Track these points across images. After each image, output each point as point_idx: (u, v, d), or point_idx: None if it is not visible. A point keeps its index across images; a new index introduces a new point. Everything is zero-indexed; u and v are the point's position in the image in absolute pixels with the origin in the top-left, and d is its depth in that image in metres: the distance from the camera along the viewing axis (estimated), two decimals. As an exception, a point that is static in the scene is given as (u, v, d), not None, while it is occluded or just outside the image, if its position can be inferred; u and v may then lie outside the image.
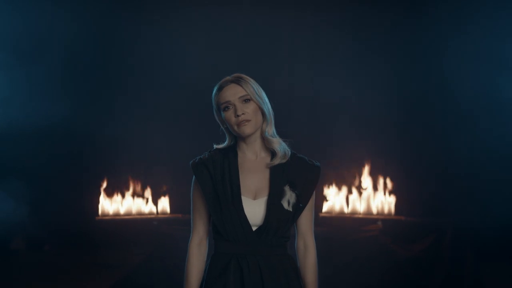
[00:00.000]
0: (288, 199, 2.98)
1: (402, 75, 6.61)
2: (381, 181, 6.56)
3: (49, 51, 6.43)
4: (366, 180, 6.57)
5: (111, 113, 6.63)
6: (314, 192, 3.09)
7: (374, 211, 6.47)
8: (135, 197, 6.72)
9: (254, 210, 2.97)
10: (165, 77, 6.77)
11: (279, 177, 3.01)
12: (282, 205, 2.97)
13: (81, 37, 6.53)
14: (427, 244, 6.23)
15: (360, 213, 6.47)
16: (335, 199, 6.51)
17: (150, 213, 6.72)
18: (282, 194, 2.99)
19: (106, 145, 6.60)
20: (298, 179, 3.03)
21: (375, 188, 6.54)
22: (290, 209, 2.98)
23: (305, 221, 3.08)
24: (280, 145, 3.06)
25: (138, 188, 6.75)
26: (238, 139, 3.11)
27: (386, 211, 6.48)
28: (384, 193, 6.53)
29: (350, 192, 6.54)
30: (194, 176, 3.08)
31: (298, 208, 3.01)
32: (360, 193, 6.53)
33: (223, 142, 3.16)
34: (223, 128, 3.14)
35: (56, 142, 6.45)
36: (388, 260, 6.15)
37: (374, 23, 6.65)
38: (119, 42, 6.67)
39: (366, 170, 6.61)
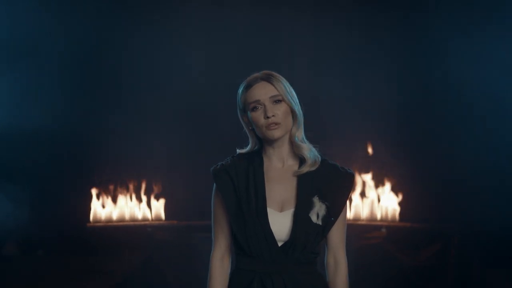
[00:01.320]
0: (317, 211, 2.75)
1: (406, 75, 6.55)
2: (385, 186, 6.47)
3: (45, 52, 6.40)
4: (369, 185, 6.47)
5: (106, 115, 6.56)
6: (347, 203, 2.86)
7: (378, 217, 6.37)
8: (128, 203, 6.59)
9: (280, 224, 2.74)
10: (163, 78, 6.68)
11: (308, 187, 2.77)
12: (310, 218, 2.73)
13: (78, 37, 6.49)
14: (433, 251, 6.17)
15: (363, 220, 6.37)
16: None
17: (144, 219, 6.58)
18: (310, 206, 2.75)
19: (100, 147, 6.53)
20: (328, 188, 2.79)
21: (378, 193, 6.45)
22: (320, 223, 2.75)
23: (337, 234, 2.84)
24: (310, 151, 2.82)
25: (132, 194, 6.62)
26: (264, 143, 2.85)
27: (390, 217, 6.38)
28: (388, 199, 6.44)
29: (351, 199, 6.46)
30: (215, 184, 2.84)
31: (329, 221, 2.78)
32: (363, 196, 6.45)
33: (246, 146, 2.91)
34: (246, 130, 2.88)
35: (50, 145, 6.42)
36: (392, 268, 6.09)
37: (376, 22, 6.60)
38: (116, 42, 6.60)
39: (369, 174, 6.52)
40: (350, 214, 6.38)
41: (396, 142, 6.51)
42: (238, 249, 2.81)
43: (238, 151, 2.90)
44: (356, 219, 6.37)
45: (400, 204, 6.42)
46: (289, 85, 2.84)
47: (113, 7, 6.56)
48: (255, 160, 2.83)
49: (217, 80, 6.40)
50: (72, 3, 6.49)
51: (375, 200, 6.41)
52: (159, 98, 6.67)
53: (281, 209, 2.76)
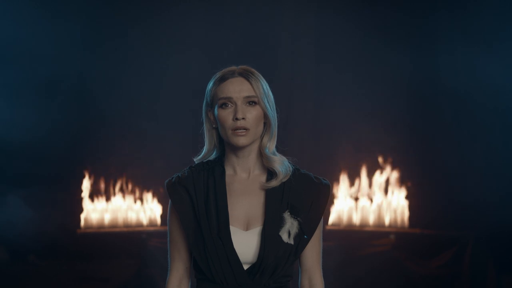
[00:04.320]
0: (289, 228, 2.42)
1: (417, 77, 6.43)
2: (394, 190, 6.34)
3: (37, 53, 6.37)
4: (376, 189, 6.35)
5: (99, 119, 6.49)
6: (322, 218, 2.51)
7: (386, 223, 6.25)
8: (123, 208, 6.47)
9: (246, 244, 2.42)
10: (160, 77, 6.60)
11: (277, 201, 2.45)
12: (280, 237, 2.41)
13: (74, 34, 6.50)
14: (445, 259, 6.06)
15: (370, 226, 6.25)
16: (343, 210, 6.31)
17: (138, 225, 6.46)
18: (280, 223, 2.42)
19: (93, 151, 6.49)
20: (301, 202, 2.46)
21: (387, 198, 6.33)
22: (291, 242, 2.41)
23: (311, 254, 2.50)
24: (282, 165, 2.47)
25: (127, 198, 6.50)
26: (226, 148, 2.52)
27: (399, 223, 6.25)
28: (397, 203, 6.30)
29: (357, 202, 6.36)
30: (170, 200, 2.52)
31: (302, 239, 2.44)
32: (371, 200, 6.36)
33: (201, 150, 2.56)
34: (205, 129, 2.54)
35: (39, 149, 6.35)
36: (401, 277, 6.01)
37: (383, 19, 6.48)
38: (111, 39, 6.57)
39: (376, 178, 6.39)
40: (357, 219, 6.29)
41: (405, 143, 6.41)
42: (198, 273, 2.49)
43: (196, 159, 2.56)
44: (363, 225, 6.27)
45: (409, 209, 6.30)
46: (268, 87, 2.51)
47: (107, 5, 6.54)
48: (216, 170, 2.51)
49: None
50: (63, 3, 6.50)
51: (383, 205, 6.29)
52: (157, 99, 6.59)
53: (247, 227, 2.45)
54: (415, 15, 6.44)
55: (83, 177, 6.47)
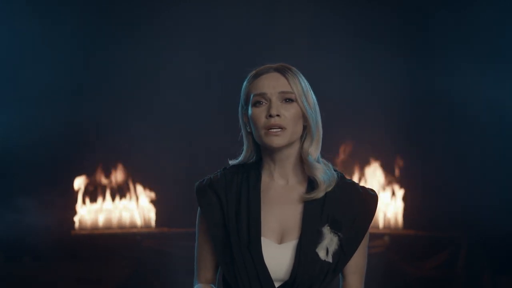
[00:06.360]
0: (327, 245, 2.22)
1: (415, 73, 6.41)
2: (387, 191, 6.31)
3: (39, 49, 6.40)
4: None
5: (96, 119, 6.47)
6: (368, 231, 2.30)
7: (380, 224, 6.19)
8: (117, 209, 6.44)
9: (278, 259, 2.21)
10: (157, 77, 6.58)
11: (317, 213, 2.23)
12: (317, 254, 2.20)
13: (67, 36, 6.49)
14: (440, 261, 6.02)
15: None
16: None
17: (132, 226, 6.39)
18: (318, 238, 2.21)
19: (88, 151, 6.49)
20: (344, 216, 2.25)
21: (381, 199, 6.19)
22: (329, 260, 2.21)
23: (354, 268, 2.31)
24: (325, 174, 2.25)
25: (121, 199, 6.47)
26: (262, 152, 2.31)
27: (393, 224, 6.21)
28: (391, 205, 6.27)
29: None
30: (199, 205, 2.33)
31: (343, 257, 2.25)
32: None
33: (239, 155, 2.37)
34: (243, 133, 2.33)
35: (34, 149, 6.35)
36: (396, 279, 5.96)
37: (382, 21, 6.47)
38: (106, 40, 6.56)
39: (370, 178, 6.36)
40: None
41: (401, 146, 6.38)
42: None
43: (231, 162, 2.36)
44: (357, 226, 6.21)
45: (404, 210, 6.26)
46: (307, 86, 2.31)
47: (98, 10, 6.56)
48: (251, 174, 2.29)
49: (214, 82, 6.39)
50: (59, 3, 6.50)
51: (377, 207, 6.20)
52: (153, 100, 6.55)
53: (281, 240, 2.24)
54: (415, 16, 6.44)
55: (77, 178, 6.44)
